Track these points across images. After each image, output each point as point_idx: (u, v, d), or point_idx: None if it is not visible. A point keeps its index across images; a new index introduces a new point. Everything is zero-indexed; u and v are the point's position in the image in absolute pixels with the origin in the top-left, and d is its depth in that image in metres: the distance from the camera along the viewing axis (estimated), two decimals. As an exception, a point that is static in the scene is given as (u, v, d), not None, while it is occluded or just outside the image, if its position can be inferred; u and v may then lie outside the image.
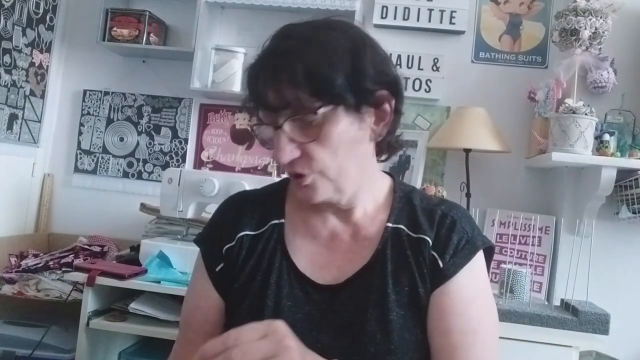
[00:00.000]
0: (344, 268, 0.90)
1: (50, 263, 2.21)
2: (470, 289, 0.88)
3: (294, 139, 0.82)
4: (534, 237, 2.10)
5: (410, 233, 0.90)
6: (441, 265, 0.87)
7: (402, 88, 0.89)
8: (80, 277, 1.82)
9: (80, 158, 2.65)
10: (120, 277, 1.81)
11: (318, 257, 0.91)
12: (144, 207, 2.28)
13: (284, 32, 0.86)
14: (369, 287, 0.87)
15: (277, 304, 0.87)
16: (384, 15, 2.44)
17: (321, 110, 0.80)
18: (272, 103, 0.81)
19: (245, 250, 0.92)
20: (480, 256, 0.91)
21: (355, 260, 0.90)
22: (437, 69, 2.42)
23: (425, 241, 0.88)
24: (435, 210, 0.91)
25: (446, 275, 0.86)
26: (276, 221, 0.94)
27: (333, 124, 0.81)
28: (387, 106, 0.86)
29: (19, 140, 2.45)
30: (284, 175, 1.00)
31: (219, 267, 0.94)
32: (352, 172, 0.86)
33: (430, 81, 2.41)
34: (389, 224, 0.91)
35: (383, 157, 0.95)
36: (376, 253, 0.89)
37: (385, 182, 0.97)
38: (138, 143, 2.62)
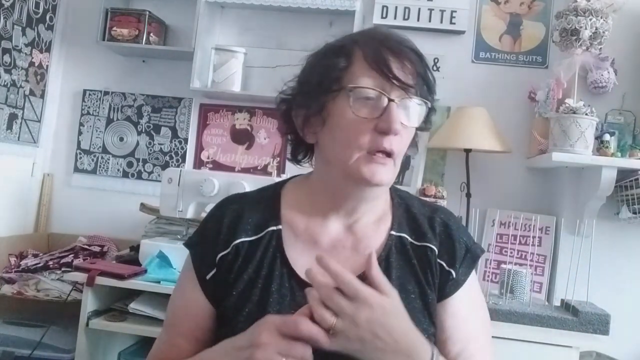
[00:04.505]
0: None
1: (50, 263, 2.20)
2: (473, 293, 0.95)
3: (401, 118, 0.86)
4: (534, 237, 2.10)
5: (414, 241, 0.93)
6: (454, 275, 0.92)
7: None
8: (80, 277, 1.82)
9: (80, 158, 2.65)
10: (120, 277, 1.81)
11: None
12: (143, 207, 2.28)
13: (393, 32, 0.91)
14: None
15: (279, 312, 0.86)
16: (384, 15, 2.44)
17: (430, 105, 0.90)
18: (403, 77, 0.85)
19: (242, 256, 0.91)
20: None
21: (358, 268, 0.89)
22: (438, 69, 2.42)
23: (431, 249, 0.92)
24: (434, 219, 0.96)
25: (458, 284, 0.92)
26: (274, 227, 0.93)
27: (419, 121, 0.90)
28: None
29: (18, 140, 2.45)
30: (284, 176, 0.99)
31: (210, 275, 0.92)
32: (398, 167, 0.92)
33: (431, 81, 2.41)
34: (393, 232, 0.93)
35: None
36: (379, 259, 0.90)
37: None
38: (138, 143, 2.62)
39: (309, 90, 0.89)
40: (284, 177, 1.04)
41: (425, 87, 0.89)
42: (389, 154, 0.86)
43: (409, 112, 0.87)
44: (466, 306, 0.93)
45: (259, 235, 0.92)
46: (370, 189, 0.89)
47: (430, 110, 0.91)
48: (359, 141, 0.85)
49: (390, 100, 0.85)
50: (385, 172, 0.86)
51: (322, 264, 0.77)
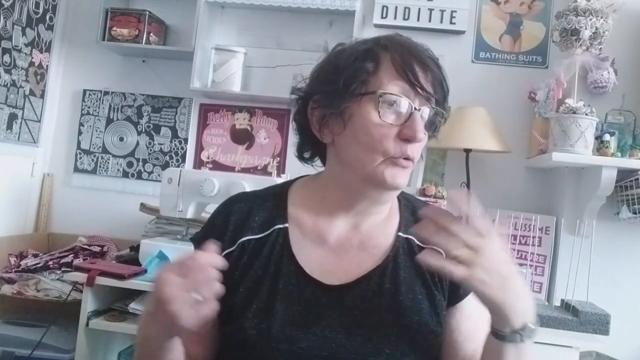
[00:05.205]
0: (351, 272, 0.91)
1: (50, 263, 2.20)
2: None
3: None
4: (534, 237, 2.10)
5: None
6: None
7: None
8: (80, 277, 1.83)
9: (80, 158, 2.65)
10: (120, 277, 1.81)
11: (325, 260, 0.91)
12: (143, 207, 2.28)
13: (414, 41, 0.94)
14: (380, 290, 0.89)
15: (287, 308, 0.87)
16: (384, 15, 2.43)
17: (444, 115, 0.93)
18: (426, 86, 0.88)
19: (249, 254, 0.91)
20: None
21: (364, 265, 0.91)
22: (437, 69, 2.41)
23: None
24: None
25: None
26: (280, 225, 0.93)
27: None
28: None
29: (18, 140, 2.45)
30: (284, 176, 1.00)
31: None
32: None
33: (431, 81, 2.41)
34: (401, 234, 0.95)
35: None
36: (387, 259, 0.92)
37: None
38: (138, 143, 2.62)
39: (332, 90, 0.88)
40: (284, 177, 1.04)
41: (442, 97, 0.91)
42: (408, 160, 0.88)
43: (427, 121, 0.90)
44: (478, 307, 0.94)
45: (265, 233, 0.93)
46: (387, 193, 0.91)
47: (443, 120, 0.94)
48: (384, 146, 0.86)
49: (415, 108, 0.87)
50: (404, 177, 0.89)
51: (459, 197, 0.78)
